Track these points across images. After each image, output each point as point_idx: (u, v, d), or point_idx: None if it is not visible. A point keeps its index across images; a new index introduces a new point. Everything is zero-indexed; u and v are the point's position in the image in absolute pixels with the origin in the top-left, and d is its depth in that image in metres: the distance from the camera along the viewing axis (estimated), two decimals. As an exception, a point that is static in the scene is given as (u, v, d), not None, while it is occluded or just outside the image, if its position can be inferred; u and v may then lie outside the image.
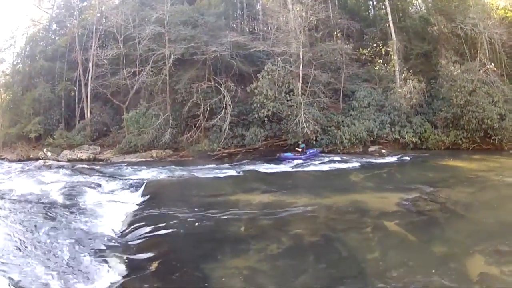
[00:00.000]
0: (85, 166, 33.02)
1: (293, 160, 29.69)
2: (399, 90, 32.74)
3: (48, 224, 13.38)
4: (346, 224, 11.77)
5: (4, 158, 47.25)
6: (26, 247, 10.95)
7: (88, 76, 44.76)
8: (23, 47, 58.82)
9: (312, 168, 24.96)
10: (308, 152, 30.34)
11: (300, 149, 30.64)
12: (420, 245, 10.26)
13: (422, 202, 14.21)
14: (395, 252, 9.63)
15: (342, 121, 32.57)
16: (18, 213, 15.37)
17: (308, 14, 34.26)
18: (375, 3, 46.82)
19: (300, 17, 34.26)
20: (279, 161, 30.17)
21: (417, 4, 42.61)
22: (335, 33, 41.60)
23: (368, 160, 27.10)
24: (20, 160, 43.45)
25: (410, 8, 42.61)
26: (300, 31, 33.52)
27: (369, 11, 47.84)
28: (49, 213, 15.25)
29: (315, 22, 37.94)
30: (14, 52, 59.93)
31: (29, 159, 43.40)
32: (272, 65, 32.38)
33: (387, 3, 36.69)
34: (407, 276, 8.56)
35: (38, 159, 41.14)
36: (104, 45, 47.22)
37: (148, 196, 17.57)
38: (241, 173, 24.39)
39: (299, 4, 36.01)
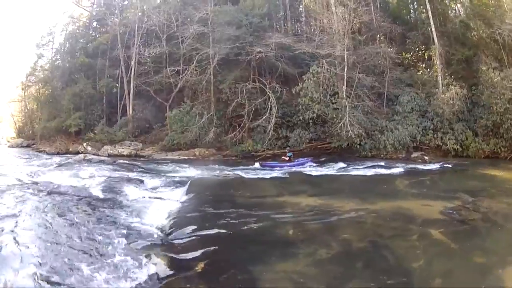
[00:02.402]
0: (127, 161, 33.36)
1: (274, 167, 28.58)
2: (442, 96, 31.92)
3: (89, 218, 13.35)
4: (393, 231, 11.61)
5: (42, 151, 48.44)
6: (65, 241, 10.67)
7: (131, 73, 45.39)
8: (62, 43, 60.36)
9: (357, 172, 24.50)
10: (296, 161, 29.49)
11: (287, 158, 29.99)
12: (463, 254, 10.12)
13: (465, 211, 13.97)
14: (439, 260, 9.49)
15: (386, 126, 31.78)
16: (57, 206, 15.20)
17: (351, 16, 33.86)
18: (416, 6, 45.88)
19: (343, 20, 33.67)
20: (261, 168, 28.85)
21: (457, 8, 41.58)
22: (378, 36, 40.29)
23: (411, 166, 26.51)
24: (58, 153, 44.24)
25: (449, 12, 41.46)
26: (344, 34, 33.08)
27: (411, 14, 46.84)
28: (89, 208, 15.19)
29: (358, 25, 37.84)
30: (52, 48, 61.67)
31: (68, 152, 44.30)
32: (317, 67, 31.99)
33: (428, 7, 35.74)
34: (450, 285, 8.55)
35: (77, 153, 41.88)
36: (146, 43, 47.83)
37: (192, 195, 17.34)
38: (287, 175, 24.11)
39: (342, 7, 35.08)
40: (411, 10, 46.65)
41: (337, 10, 34.64)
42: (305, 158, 29.93)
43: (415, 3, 45.31)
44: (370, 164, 26.86)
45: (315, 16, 38.95)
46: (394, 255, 9.58)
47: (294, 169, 27.47)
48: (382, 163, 26.98)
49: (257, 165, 29.00)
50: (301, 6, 47.13)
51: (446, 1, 40.26)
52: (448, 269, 9.06)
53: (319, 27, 37.34)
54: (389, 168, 25.21)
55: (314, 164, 28.71)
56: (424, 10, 40.30)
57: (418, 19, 43.36)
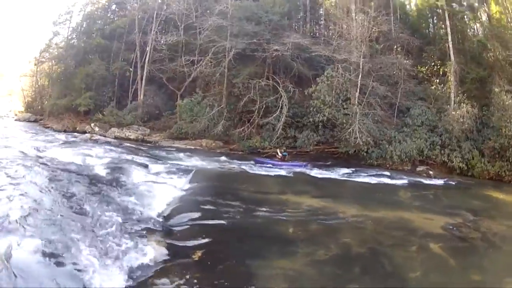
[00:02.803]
0: (133, 145, 33.66)
1: (267, 164, 28.37)
2: (453, 113, 31.66)
3: (90, 197, 13.41)
4: (393, 240, 11.73)
5: (49, 127, 48.86)
6: (64, 217, 10.81)
7: (145, 59, 45.62)
8: (79, 23, 60.58)
9: (361, 179, 24.47)
10: (290, 163, 29.19)
11: (279, 156, 29.83)
12: (460, 270, 10.21)
13: (465, 228, 14.04)
14: (435, 274, 9.58)
15: (395, 137, 31.55)
16: (59, 182, 15.26)
17: (370, 24, 33.65)
18: (435, 21, 45.76)
19: (362, 27, 33.56)
20: (255, 164, 28.99)
21: (475, 27, 41.34)
22: (395, 47, 40.68)
23: (415, 179, 26.33)
24: (65, 131, 44.79)
25: (468, 30, 41.14)
26: (362, 41, 32.98)
27: (429, 29, 46.60)
28: (91, 186, 15.26)
29: (377, 34, 37.36)
30: (69, 27, 61.70)
31: (75, 131, 44.82)
32: (332, 71, 31.96)
33: (447, 23, 35.66)
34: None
35: (84, 132, 42.43)
36: (164, 30, 48.29)
37: (196, 184, 17.46)
38: (291, 175, 24.13)
39: (362, 14, 35.07)
40: (430, 25, 46.47)
41: (357, 17, 34.54)
42: (302, 163, 29.67)
43: (435, 18, 45.10)
44: (375, 172, 26.89)
45: (335, 21, 38.71)
46: (392, 264, 9.66)
47: (297, 169, 27.32)
48: (387, 173, 26.94)
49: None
50: (321, 9, 47.23)
51: (466, 19, 39.96)
52: (443, 283, 9.16)
53: (338, 31, 37.12)
54: (394, 178, 25.17)
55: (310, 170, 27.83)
56: (443, 26, 40.21)
57: (437, 34, 43.17)
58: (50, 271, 7.64)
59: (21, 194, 12.23)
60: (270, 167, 27.69)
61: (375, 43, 37.38)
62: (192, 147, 33.88)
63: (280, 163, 29.01)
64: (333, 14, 40.89)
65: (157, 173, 20.42)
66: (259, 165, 28.17)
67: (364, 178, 24.94)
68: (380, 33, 37.96)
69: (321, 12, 47.44)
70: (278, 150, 30.60)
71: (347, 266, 9.48)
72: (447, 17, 35.44)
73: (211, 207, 13.74)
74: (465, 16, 39.57)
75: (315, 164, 29.12)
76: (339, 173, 26.41)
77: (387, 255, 10.22)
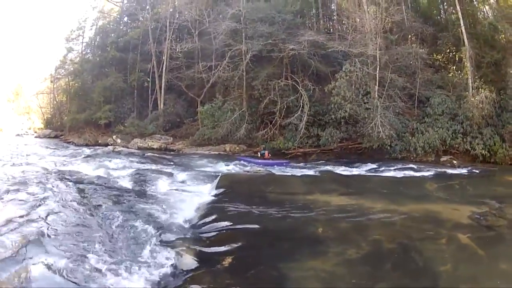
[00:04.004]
0: (156, 154, 33.60)
1: (250, 162, 29.01)
2: (472, 99, 31.22)
3: (116, 208, 13.58)
4: (422, 233, 11.46)
5: (70, 142, 49.53)
6: (90, 229, 11.11)
7: (162, 68, 45.79)
8: (93, 38, 61.80)
9: (387, 173, 24.23)
10: (271, 161, 29.39)
11: (259, 155, 30.34)
12: (488, 260, 9.92)
13: (491, 217, 13.73)
14: (465, 265, 9.44)
15: (417, 128, 31.40)
16: (84, 195, 15.58)
17: (383, 15, 33.65)
18: (446, 7, 44.63)
19: (375, 19, 33.36)
20: (238, 160, 29.73)
21: (485, 10, 40.28)
22: (410, 36, 40.30)
23: (440, 169, 25.91)
24: (87, 145, 45.19)
25: (478, 13, 40.03)
26: (376, 33, 32.70)
27: (441, 15, 45.58)
28: (117, 198, 15.46)
29: (390, 25, 37.27)
30: (82, 42, 62.93)
31: (96, 144, 45.30)
32: (350, 66, 31.56)
33: (458, 7, 34.90)
34: (475, 290, 8.50)
35: (106, 145, 42.87)
36: (178, 38, 48.33)
37: (223, 189, 17.23)
38: (318, 174, 23.86)
39: (374, 5, 34.86)
40: (442, 11, 45.47)
41: (368, 9, 34.26)
42: (283, 161, 29.83)
43: (445, 3, 44.41)
44: (400, 166, 26.66)
45: (348, 15, 38.39)
46: (423, 258, 9.58)
47: (278, 166, 27.77)
48: (412, 166, 26.71)
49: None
50: (333, 4, 47.08)
51: (475, 3, 39.62)
52: (473, 274, 9.06)
53: (351, 25, 36.93)
54: (419, 171, 24.98)
55: (290, 167, 28.05)
56: (454, 11, 39.35)
57: (449, 20, 42.23)
58: (77, 282, 7.86)
59: (47, 209, 12.76)
60: (249, 164, 28.44)
61: (389, 34, 36.61)
62: (216, 153, 33.99)
63: (260, 160, 29.39)
64: (345, 8, 40.24)
65: (183, 181, 20.42)
66: (242, 161, 29.02)
67: (389, 172, 24.77)
68: (393, 24, 37.77)
69: (333, 7, 47.27)
70: (261, 148, 31.36)
71: (378, 263, 9.36)
72: (456, 2, 34.94)
73: (239, 212, 13.66)
74: (472, -1, 39.33)
75: (340, 161, 29.11)
76: (364, 169, 26.31)
77: (417, 250, 10.06)
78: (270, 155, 30.71)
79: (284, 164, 28.73)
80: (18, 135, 76.96)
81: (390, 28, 38.20)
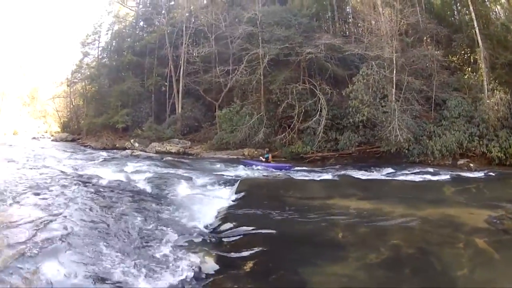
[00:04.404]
0: (175, 159, 33.77)
1: (251, 165, 29.32)
2: (487, 101, 31.17)
3: (135, 212, 13.64)
4: (440, 238, 11.30)
5: (87, 146, 50.11)
6: (109, 233, 11.12)
7: (180, 72, 46.05)
8: (109, 42, 62.76)
9: (405, 177, 24.06)
10: (275, 164, 29.82)
11: (263, 159, 30.38)
12: (505, 264, 9.79)
13: (508, 220, 13.40)
14: (482, 269, 9.33)
15: (434, 131, 31.08)
16: (103, 199, 15.73)
17: (398, 18, 33.36)
18: (459, 7, 44.41)
19: (390, 21, 33.29)
20: (241, 165, 29.95)
21: (497, 10, 40.54)
22: (425, 38, 39.72)
23: (457, 173, 25.88)
24: (104, 149, 45.64)
25: (491, 14, 40.16)
26: (392, 35, 32.63)
27: (455, 16, 45.46)
28: (136, 202, 15.45)
29: (405, 27, 36.89)
30: (98, 46, 63.67)
31: (114, 148, 45.69)
32: (367, 69, 31.40)
33: (471, 8, 34.99)
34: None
35: (124, 148, 43.00)
36: (195, 42, 48.73)
37: (242, 194, 16.88)
38: (336, 178, 23.79)
39: (389, 8, 34.87)
40: (455, 12, 45.57)
41: (383, 11, 34.29)
42: (286, 165, 30.04)
43: (458, 4, 44.36)
44: (418, 170, 26.68)
45: (363, 17, 38.66)
46: (441, 262, 9.55)
47: (281, 170, 28.03)
48: (430, 169, 26.69)
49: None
50: (348, 7, 47.10)
51: (487, 3, 39.55)
52: (490, 279, 9.04)
53: (367, 28, 37.00)
54: (436, 174, 24.88)
55: (294, 170, 28.26)
56: (467, 11, 39.59)
57: (462, 21, 42.36)
58: (95, 286, 7.98)
59: (65, 212, 12.91)
60: (251, 167, 28.67)
61: (405, 37, 36.83)
62: (234, 157, 33.95)
63: (264, 164, 29.54)
64: (360, 11, 40.48)
65: (202, 185, 20.42)
66: (248, 166, 29.13)
67: (407, 176, 24.67)
68: (408, 26, 37.44)
69: (348, 9, 47.29)
70: (264, 151, 31.57)
71: (398, 268, 9.31)
72: (470, 2, 34.92)
73: (259, 216, 13.59)
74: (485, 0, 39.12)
75: (358, 165, 29.19)
76: (382, 172, 26.42)
77: (435, 254, 9.96)
78: (273, 158, 31.09)
79: (287, 167, 28.87)
80: (34, 138, 77.18)
81: (406, 30, 38.09)
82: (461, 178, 23.92)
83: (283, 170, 28.17)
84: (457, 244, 10.80)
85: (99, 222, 12.12)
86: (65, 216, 12.40)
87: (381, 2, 34.75)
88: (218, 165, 29.57)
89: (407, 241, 10.93)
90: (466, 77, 35.89)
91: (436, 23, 39.89)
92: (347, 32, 45.45)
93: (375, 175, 25.50)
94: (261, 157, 30.91)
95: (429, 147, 29.94)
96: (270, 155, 30.91)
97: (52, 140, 67.45)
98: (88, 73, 63.71)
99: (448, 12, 46.06)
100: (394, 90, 31.50)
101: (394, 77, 31.53)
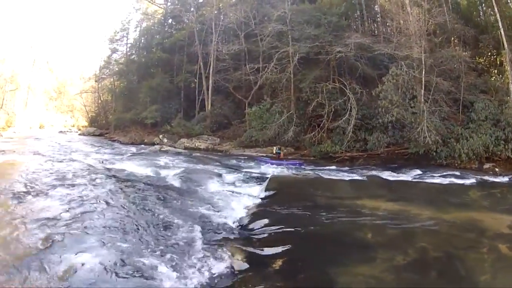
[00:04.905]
0: (204, 155, 34.15)
1: (267, 163, 29.81)
2: None
3: (164, 207, 13.96)
4: (465, 242, 11.41)
5: (115, 140, 51.21)
6: (138, 229, 11.38)
7: (209, 69, 46.45)
8: (137, 39, 64.02)
9: (432, 180, 23.83)
10: (285, 161, 30.18)
11: (275, 155, 31.06)
12: None
13: None
14: (504, 275, 9.42)
15: (461, 134, 30.33)
16: (131, 193, 16.11)
17: (426, 17, 33.00)
18: (484, 8, 43.44)
19: (418, 21, 32.90)
20: (257, 162, 30.34)
21: None
22: (452, 39, 39.23)
23: (483, 177, 25.25)
24: (133, 144, 46.63)
25: None
26: (420, 35, 32.23)
27: (480, 16, 44.02)
28: (165, 197, 15.84)
29: (433, 27, 36.22)
30: (127, 43, 64.96)
31: (142, 143, 46.53)
32: (396, 69, 31.02)
33: (496, 9, 34.17)
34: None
35: (152, 144, 43.99)
36: (224, 40, 49.18)
37: (272, 191, 17.43)
38: (365, 178, 23.68)
39: (417, 7, 34.15)
40: (480, 12, 44.61)
41: (412, 11, 33.90)
42: (297, 161, 30.37)
43: (483, 4, 43.67)
44: (445, 172, 26.38)
45: (391, 16, 38.30)
46: (465, 267, 9.64)
47: (293, 166, 28.48)
48: (456, 172, 26.50)
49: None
50: (376, 6, 46.82)
51: (510, 4, 38.91)
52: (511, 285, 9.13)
53: (396, 27, 36.78)
54: (462, 178, 24.62)
55: (305, 167, 28.71)
56: (492, 12, 38.54)
57: (488, 22, 41.36)
58: (125, 281, 8.18)
59: (93, 206, 13.49)
60: (266, 164, 29.26)
61: (433, 37, 36.16)
62: (263, 154, 34.05)
63: (275, 161, 30.03)
64: (389, 10, 40.06)
65: (231, 182, 20.76)
66: (262, 163, 29.67)
67: (434, 179, 24.44)
68: (436, 26, 37.11)
69: (376, 8, 47.04)
70: (274, 148, 31.99)
71: (424, 271, 9.38)
72: (494, 3, 34.24)
73: (289, 214, 13.81)
74: (508, 1, 38.74)
75: (387, 167, 29.07)
76: (410, 174, 26.16)
77: (460, 258, 10.10)
78: (284, 155, 31.73)
79: (298, 164, 29.27)
80: (61, 132, 78.72)
81: (434, 30, 37.63)
82: (486, 183, 23.79)
83: (294, 166, 28.69)
84: (481, 249, 11.05)
85: (127, 216, 12.53)
86: (94, 209, 12.99)
87: (409, 1, 34.43)
88: (247, 162, 29.93)
89: (434, 244, 11.11)
90: (492, 79, 35.55)
91: (463, 23, 39.18)
92: (375, 31, 45.14)
93: (403, 176, 25.34)
94: (273, 153, 31.66)
95: (456, 150, 29.43)
96: (282, 152, 31.52)
97: (80, 134, 68.87)
98: (117, 69, 65.06)
99: (474, 13, 45.06)
100: (423, 91, 31.15)
101: (423, 78, 31.12)
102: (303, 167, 28.68)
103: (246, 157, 33.52)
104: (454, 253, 10.42)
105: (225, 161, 30.64)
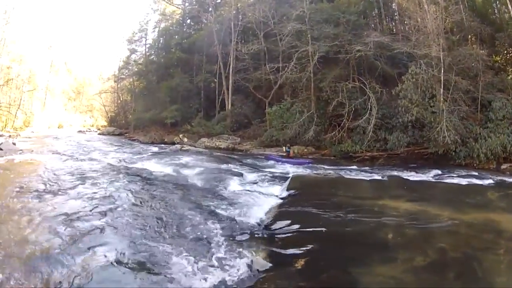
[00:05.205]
0: (224, 154, 34.29)
1: (278, 161, 30.10)
2: None
3: (187, 206, 14.09)
4: (483, 243, 11.40)
5: (135, 140, 51.45)
6: (160, 227, 11.57)
7: (229, 69, 46.64)
8: (156, 40, 64.47)
9: (451, 180, 23.67)
10: (294, 159, 30.50)
11: (285, 153, 31.52)
12: None
13: None
14: None
15: (480, 133, 29.93)
16: (153, 192, 16.42)
17: (443, 15, 32.87)
18: (499, 6, 42.74)
19: (435, 19, 32.51)
20: (266, 160, 30.87)
21: None
22: (470, 36, 38.66)
23: (500, 178, 24.97)
24: (153, 143, 46.69)
25: None
26: (438, 33, 31.99)
27: (495, 14, 43.41)
28: (188, 196, 16.03)
29: (450, 25, 36.68)
30: (145, 44, 65.58)
31: (162, 142, 46.53)
32: (416, 68, 30.90)
33: (510, 7, 34.65)
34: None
35: (172, 143, 44.00)
36: (243, 40, 49.31)
37: (293, 191, 17.41)
38: (385, 178, 23.62)
39: (433, 5, 33.76)
40: (495, 10, 43.97)
41: (429, 9, 33.57)
42: (306, 160, 30.51)
43: (497, 2, 42.97)
44: (464, 173, 26.35)
45: (409, 15, 38.00)
46: (482, 268, 9.64)
47: (303, 164, 28.87)
48: (474, 173, 26.43)
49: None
50: (394, 4, 46.57)
51: None
52: None
53: (414, 26, 36.44)
54: (480, 178, 24.41)
55: (310, 165, 28.93)
56: (506, 10, 38.74)
57: (503, 19, 40.79)
58: (146, 277, 8.46)
59: (114, 204, 13.81)
60: (277, 162, 29.72)
61: (450, 35, 36.04)
62: (284, 154, 33.35)
63: (284, 159, 30.36)
64: (406, 8, 39.50)
65: (252, 181, 20.83)
66: (269, 160, 30.55)
67: (453, 179, 24.27)
68: (453, 24, 37.27)
69: (394, 6, 46.77)
70: (284, 148, 32.36)
71: (443, 272, 9.39)
72: (508, 0, 34.46)
73: (310, 214, 13.73)
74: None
75: (406, 166, 28.93)
76: (430, 174, 25.98)
77: (477, 259, 10.06)
78: (294, 153, 32.11)
79: (307, 162, 29.46)
80: (80, 131, 79.15)
81: (451, 28, 37.68)
82: (504, 183, 23.66)
83: (303, 165, 28.93)
84: (498, 250, 11.11)
85: (148, 214, 12.89)
86: (115, 207, 13.33)
87: (426, -1, 33.87)
88: (267, 162, 30.01)
89: (452, 245, 11.17)
90: (509, 78, 35.23)
91: (479, 21, 39.02)
92: (393, 30, 44.85)
93: (423, 176, 25.20)
94: (284, 150, 32.21)
95: (475, 150, 29.19)
96: (291, 151, 31.74)
97: (99, 134, 69.31)
98: (136, 69, 65.74)
99: (489, 10, 44.43)
100: (442, 90, 30.96)
101: (442, 77, 30.89)
102: (311, 165, 28.96)
103: (266, 157, 33.42)
104: (472, 254, 10.48)
105: (246, 160, 30.76)
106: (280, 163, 29.70)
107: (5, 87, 61.74)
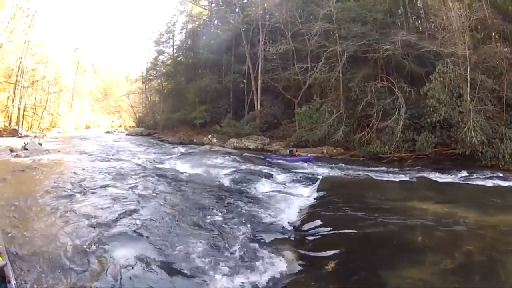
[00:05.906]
0: (254, 155, 34.16)
1: (279, 160, 30.55)
2: None
3: (216, 207, 14.03)
4: (508, 246, 11.04)
5: (164, 140, 51.80)
6: (190, 228, 11.56)
7: (258, 69, 46.96)
8: (184, 41, 64.90)
9: (478, 182, 22.95)
10: (297, 157, 30.83)
11: (288, 152, 31.93)
12: None
13: None
14: None
15: (505, 134, 29.06)
16: (184, 193, 16.37)
17: (467, 12, 32.17)
18: None
19: (460, 17, 31.97)
20: (266, 159, 31.04)
21: None
22: (493, 34, 37.54)
23: None
24: (181, 143, 47.00)
25: None
26: (463, 31, 31.55)
27: None
28: (217, 197, 16.04)
29: (474, 23, 34.87)
30: (173, 45, 66.57)
31: (191, 143, 46.85)
32: (443, 67, 30.56)
33: None
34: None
35: (202, 144, 44.29)
36: (271, 40, 49.37)
37: (323, 192, 16.91)
38: (414, 180, 22.89)
39: (458, 2, 33.00)
40: None
41: (453, 6, 32.96)
42: (310, 156, 31.09)
43: None
44: (490, 174, 25.77)
45: (435, 12, 37.21)
46: (505, 272, 9.51)
47: (306, 162, 29.31)
48: (500, 174, 25.77)
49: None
50: (419, 2, 46.09)
51: None
52: None
53: (439, 24, 36.00)
54: (507, 180, 23.75)
55: (316, 162, 29.34)
56: None
57: None
58: (175, 279, 8.48)
59: (143, 205, 13.87)
60: (279, 161, 30.15)
61: (475, 33, 35.45)
62: (313, 155, 33.71)
63: (289, 158, 30.85)
64: (431, 5, 38.75)
65: (282, 182, 20.84)
66: (270, 160, 30.91)
67: (481, 180, 23.69)
68: (477, 22, 35.75)
69: (419, 4, 46.25)
70: (287, 150, 32.66)
71: (469, 275, 9.27)
72: None
73: (340, 216, 13.56)
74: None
75: (435, 167, 28.71)
76: (457, 176, 25.71)
77: (502, 262, 9.90)
78: (297, 152, 32.38)
79: (310, 159, 29.98)
80: (107, 132, 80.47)
81: (475, 26, 36.38)
82: None
83: (308, 162, 29.40)
84: None
85: (178, 216, 12.81)
86: (144, 208, 13.48)
87: (451, -4, 33.38)
88: (297, 163, 29.92)
89: (479, 247, 10.95)
90: None
91: (501, 18, 37.38)
92: (419, 28, 44.58)
93: (450, 178, 24.99)
94: (288, 151, 32.79)
95: (500, 150, 28.44)
96: (294, 149, 32.24)
97: (127, 134, 70.38)
98: (164, 70, 66.65)
99: (510, 7, 41.95)
100: (468, 89, 30.44)
101: (469, 76, 30.40)
102: (315, 161, 29.65)
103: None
104: (497, 257, 10.26)
105: (275, 161, 30.93)
106: (281, 161, 30.39)
107: (30, 88, 62.60)
